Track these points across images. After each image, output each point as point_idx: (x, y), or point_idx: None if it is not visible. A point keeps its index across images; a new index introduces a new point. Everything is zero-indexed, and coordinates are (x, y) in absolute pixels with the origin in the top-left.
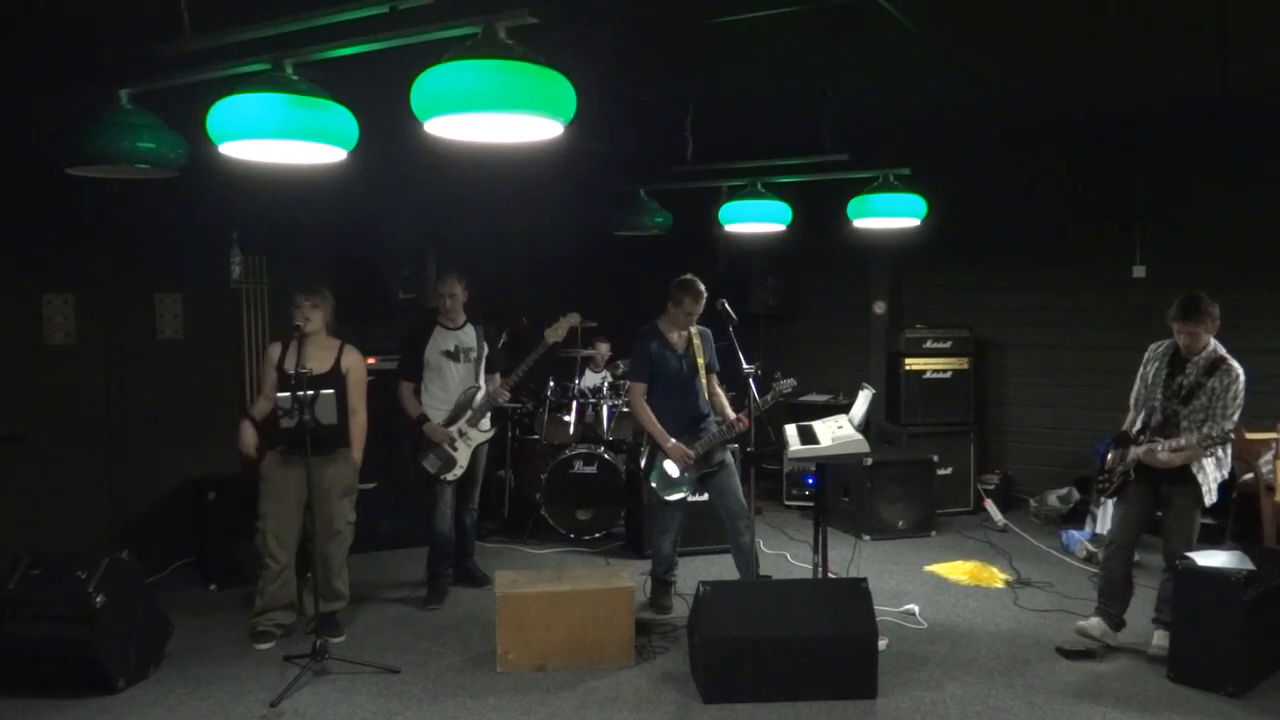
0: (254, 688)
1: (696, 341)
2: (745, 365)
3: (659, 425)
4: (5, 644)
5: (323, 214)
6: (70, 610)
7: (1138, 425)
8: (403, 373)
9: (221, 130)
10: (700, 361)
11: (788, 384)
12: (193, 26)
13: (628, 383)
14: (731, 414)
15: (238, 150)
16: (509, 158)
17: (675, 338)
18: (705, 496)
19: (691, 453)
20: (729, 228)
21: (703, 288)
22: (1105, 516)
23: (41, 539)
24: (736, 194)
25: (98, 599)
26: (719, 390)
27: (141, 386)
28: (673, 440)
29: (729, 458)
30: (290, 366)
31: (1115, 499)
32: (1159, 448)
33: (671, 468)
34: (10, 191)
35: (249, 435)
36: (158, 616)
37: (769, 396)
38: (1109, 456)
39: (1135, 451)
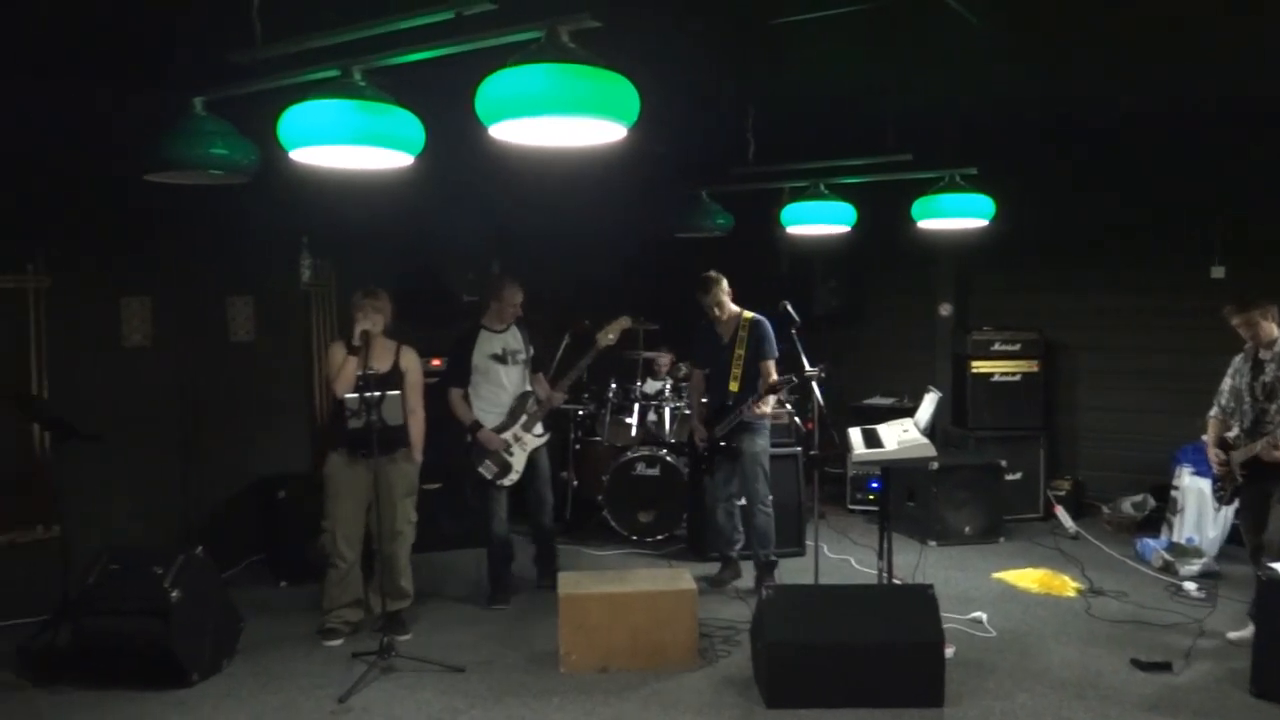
0: (323, 683)
1: (743, 333)
2: (808, 367)
3: (697, 403)
4: (85, 638)
5: (389, 218)
6: (147, 605)
7: (1234, 431)
8: (450, 380)
9: (292, 136)
10: (740, 352)
11: (817, 376)
12: (264, 36)
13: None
14: (764, 397)
15: (308, 156)
16: (571, 161)
17: (721, 328)
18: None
19: (704, 434)
20: (791, 229)
21: (708, 280)
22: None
23: (119, 536)
24: (798, 195)
25: (173, 594)
26: (770, 376)
27: (214, 387)
28: (696, 420)
29: (754, 445)
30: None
31: (1234, 504)
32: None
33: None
34: (90, 197)
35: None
36: (230, 612)
37: (783, 379)
38: (1217, 464)
39: (1241, 454)
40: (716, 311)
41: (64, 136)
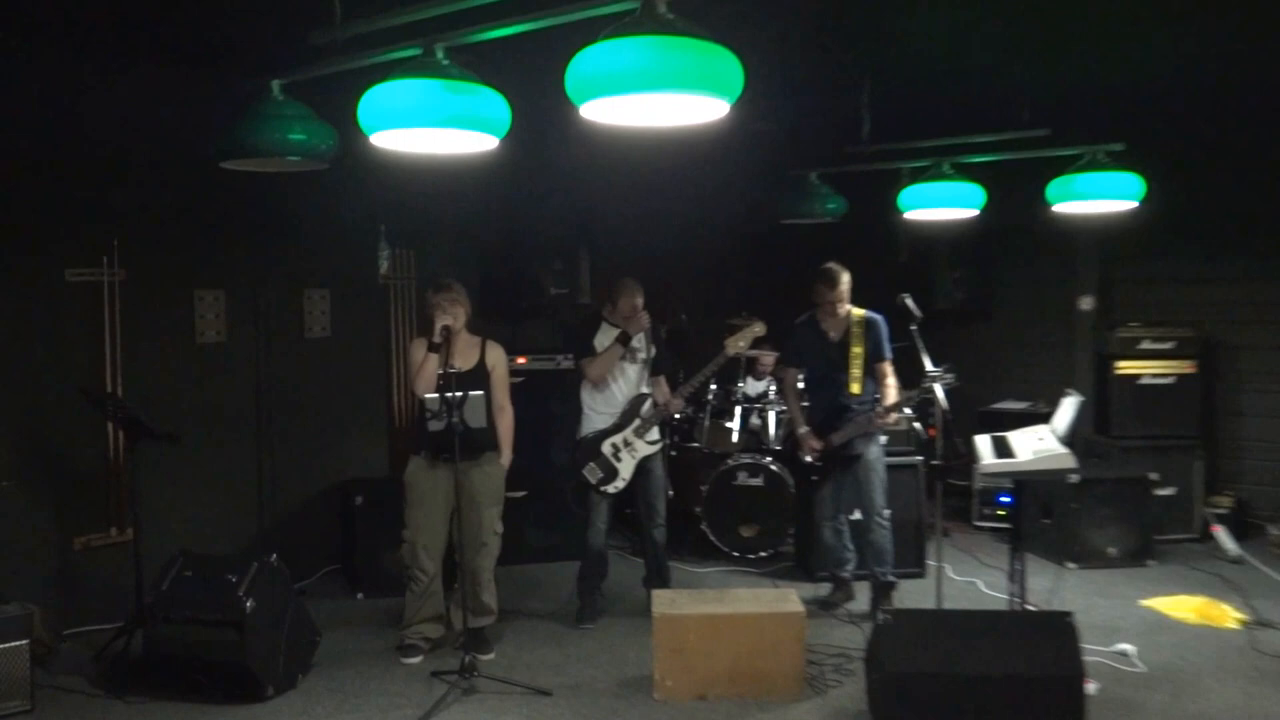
0: (401, 703)
1: (857, 330)
2: (930, 367)
3: (798, 409)
4: (158, 646)
5: (472, 206)
6: (221, 614)
7: None
8: (581, 356)
9: (373, 119)
10: (856, 351)
11: (941, 377)
12: (343, 14)
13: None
14: (889, 404)
15: (388, 140)
16: (667, 142)
17: (829, 326)
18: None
19: (818, 443)
20: (911, 214)
21: (835, 272)
22: None
23: (192, 540)
24: (920, 176)
25: (248, 604)
26: (889, 380)
27: (290, 385)
28: (805, 426)
29: (870, 452)
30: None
31: None
32: None
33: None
34: (165, 187)
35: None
36: (306, 624)
37: (916, 392)
38: None
39: None
40: (837, 308)
41: (138, 124)
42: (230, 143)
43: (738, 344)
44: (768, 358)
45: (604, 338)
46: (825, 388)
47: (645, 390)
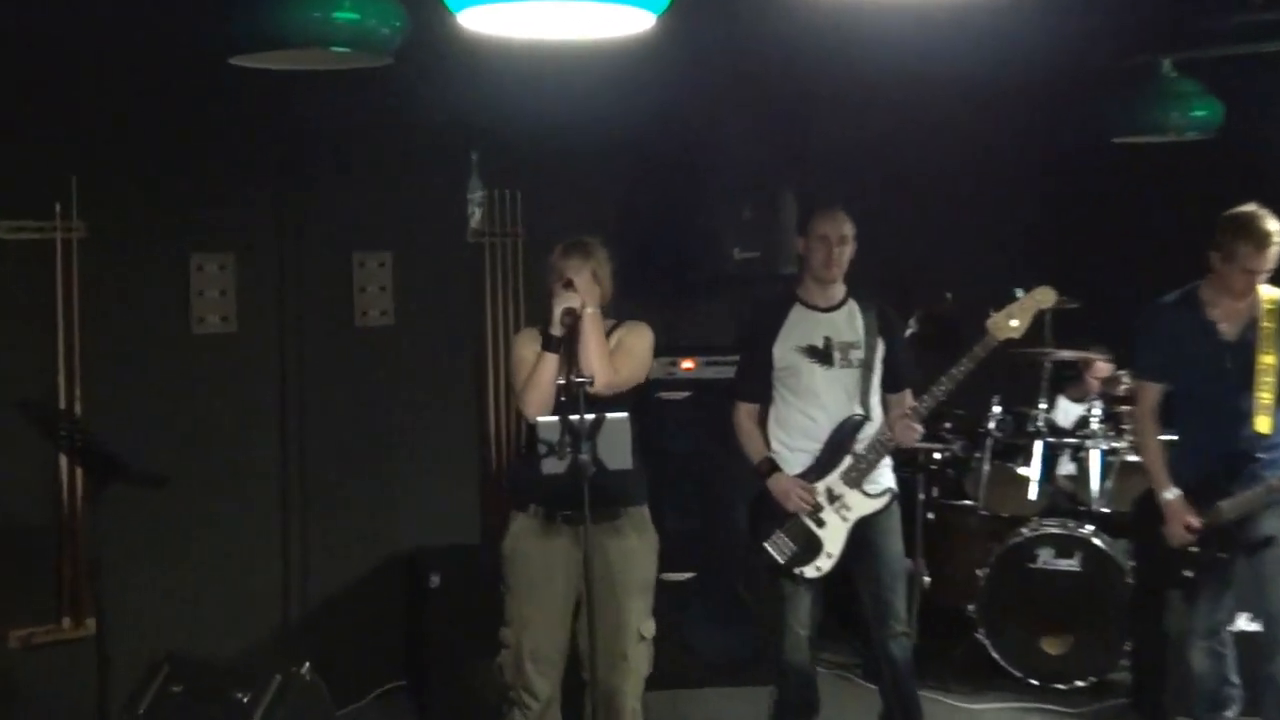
0: None
1: (1270, 326)
2: None
3: (1158, 458)
4: None
5: (610, 124)
6: None
7: None
8: (738, 388)
9: None
10: (1268, 361)
11: None
12: None
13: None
14: None
15: (484, 20)
16: (924, 21)
17: (1222, 315)
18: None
19: (1196, 519)
20: None
21: (1260, 221)
22: None
23: (184, 638)
24: None
25: None
26: None
27: (332, 400)
28: (1174, 490)
29: None
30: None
31: None
32: None
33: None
34: (142, 99)
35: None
36: None
37: None
38: None
39: None
40: (1251, 283)
41: (113, 10)
42: (246, 28)
43: (1009, 323)
44: (1098, 365)
45: (797, 332)
46: (1210, 420)
47: (860, 410)
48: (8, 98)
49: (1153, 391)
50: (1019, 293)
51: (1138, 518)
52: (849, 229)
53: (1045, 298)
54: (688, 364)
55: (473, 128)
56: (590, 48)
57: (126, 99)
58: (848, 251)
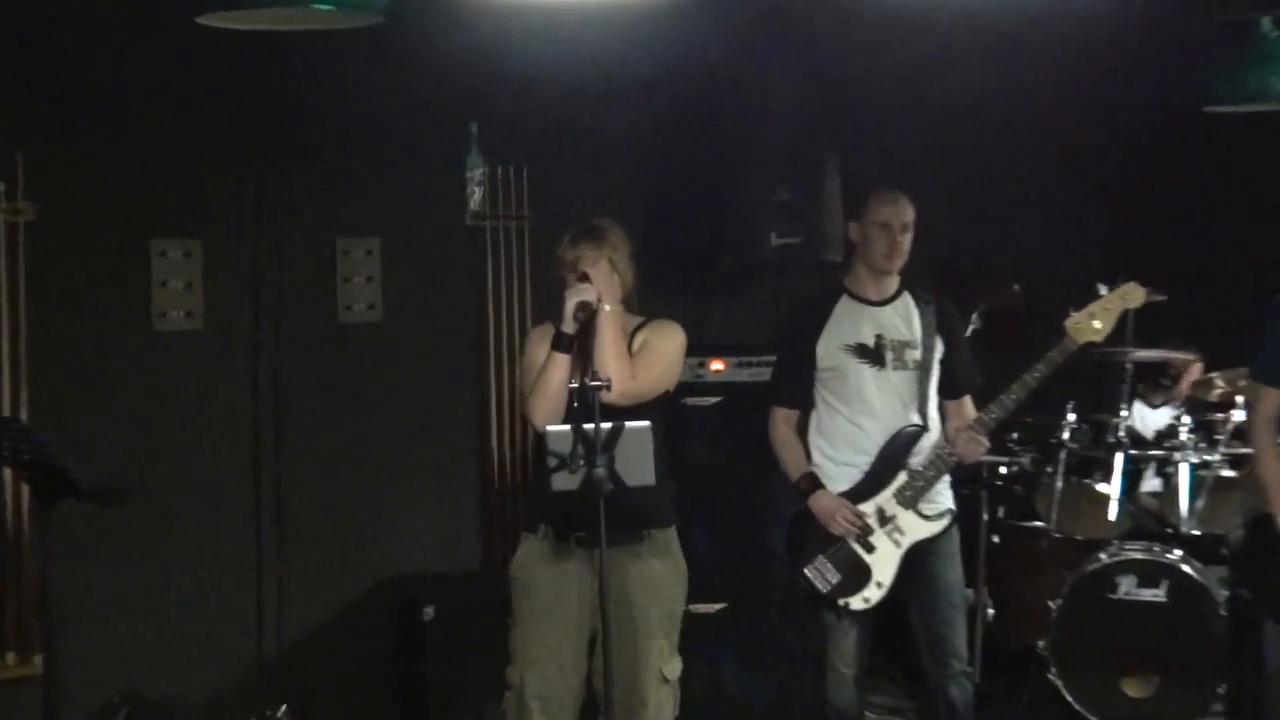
0: None
1: None
2: None
3: (1278, 474)
4: None
5: (626, 93)
6: None
7: None
8: (776, 392)
9: None
10: None
11: None
12: None
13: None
14: None
15: None
16: None
17: None
18: None
19: None
20: None
21: None
22: None
23: (143, 675)
24: None
25: None
26: None
27: (312, 405)
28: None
29: None
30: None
31: None
32: None
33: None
34: (97, 64)
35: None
36: None
37: None
38: None
39: None
40: None
41: None
42: None
43: (1092, 324)
44: (1188, 366)
45: (844, 329)
46: None
47: (917, 419)
48: None
49: (1273, 397)
50: (1102, 289)
51: (1250, 543)
52: (911, 214)
53: (1133, 296)
54: (717, 365)
55: (472, 95)
56: (606, 2)
57: (79, 64)
58: (909, 240)
